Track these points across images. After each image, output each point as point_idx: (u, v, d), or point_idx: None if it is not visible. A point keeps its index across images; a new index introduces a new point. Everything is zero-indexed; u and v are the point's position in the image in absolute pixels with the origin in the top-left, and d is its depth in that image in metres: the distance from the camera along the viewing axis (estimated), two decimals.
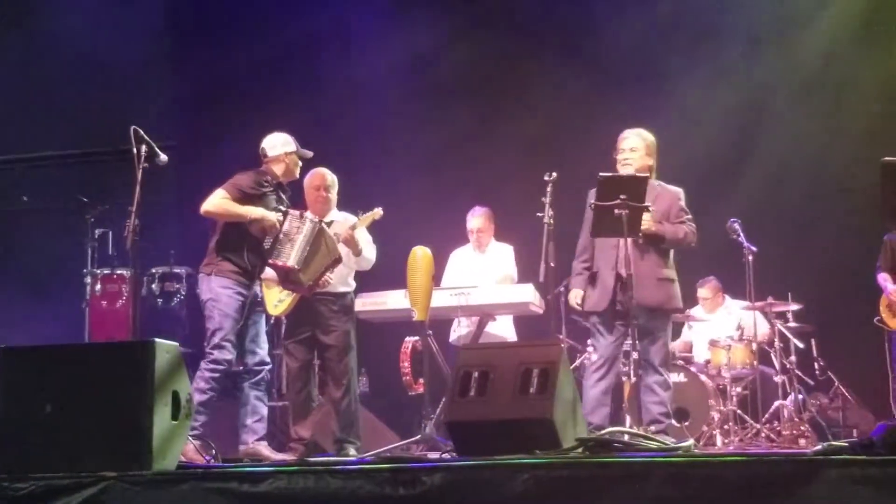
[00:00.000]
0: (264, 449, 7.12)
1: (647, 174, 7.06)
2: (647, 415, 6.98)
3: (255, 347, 7.23)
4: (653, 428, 6.70)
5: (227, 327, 7.00)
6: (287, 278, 7.18)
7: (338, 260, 7.22)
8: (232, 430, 7.23)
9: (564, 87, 10.59)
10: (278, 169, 7.33)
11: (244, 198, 7.09)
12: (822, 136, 10.16)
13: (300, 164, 7.42)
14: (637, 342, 6.82)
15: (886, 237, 8.34)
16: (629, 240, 6.77)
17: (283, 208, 7.22)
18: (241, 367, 7.33)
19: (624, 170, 7.08)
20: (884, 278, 7.30)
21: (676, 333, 10.02)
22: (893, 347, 8.14)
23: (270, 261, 7.08)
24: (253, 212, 7.05)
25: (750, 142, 10.48)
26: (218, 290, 7.07)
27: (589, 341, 8.21)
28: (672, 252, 7.06)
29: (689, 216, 7.20)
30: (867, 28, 10.17)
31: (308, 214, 7.20)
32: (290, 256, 6.99)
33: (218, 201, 7.05)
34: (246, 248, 7.13)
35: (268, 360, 7.31)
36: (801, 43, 10.51)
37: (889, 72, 9.85)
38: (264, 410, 7.26)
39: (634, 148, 7.16)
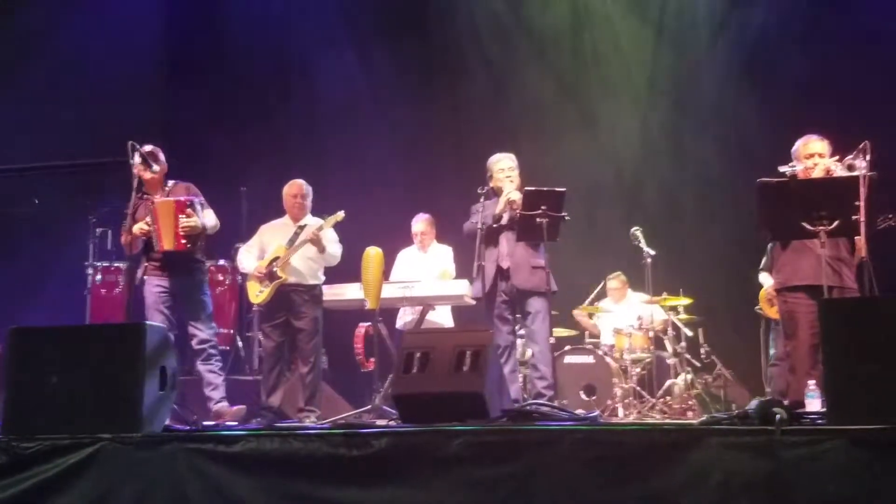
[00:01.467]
0: (224, 406, 7.13)
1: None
2: (533, 389, 6.98)
3: (194, 330, 7.19)
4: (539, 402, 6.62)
5: (149, 316, 7.00)
6: (176, 250, 7.13)
7: (180, 205, 7.12)
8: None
9: (496, 116, 10.65)
10: (143, 180, 7.24)
11: (132, 219, 7.10)
12: (707, 158, 10.25)
13: (143, 164, 7.16)
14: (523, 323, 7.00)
15: (770, 244, 8.38)
16: (506, 236, 7.00)
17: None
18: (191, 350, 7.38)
19: (509, 186, 7.17)
20: (765, 277, 7.38)
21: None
22: (770, 333, 8.19)
23: (159, 252, 7.12)
24: (131, 232, 7.08)
25: (650, 164, 10.59)
26: (144, 288, 7.19)
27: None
28: (542, 245, 6.98)
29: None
30: (751, 63, 10.29)
31: (154, 203, 7.16)
32: (158, 241, 7.07)
33: (123, 240, 7.09)
34: (150, 249, 7.18)
35: (208, 337, 7.24)
36: (692, 84, 10.63)
37: (770, 107, 9.96)
38: (218, 379, 7.24)
39: (513, 167, 7.29)
